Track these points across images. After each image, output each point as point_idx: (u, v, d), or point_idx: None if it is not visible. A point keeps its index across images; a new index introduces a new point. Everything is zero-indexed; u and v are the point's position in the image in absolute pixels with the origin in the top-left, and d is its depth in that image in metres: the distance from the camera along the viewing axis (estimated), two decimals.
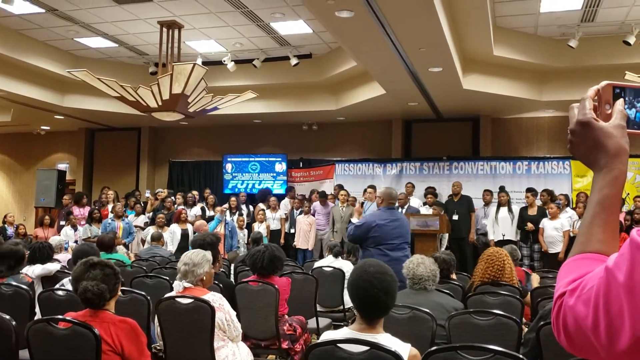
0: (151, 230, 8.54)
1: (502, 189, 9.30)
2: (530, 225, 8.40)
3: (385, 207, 5.05)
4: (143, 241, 8.94)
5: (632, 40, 7.82)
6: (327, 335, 2.34)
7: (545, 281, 5.37)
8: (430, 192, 9.50)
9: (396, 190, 5.41)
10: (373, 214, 5.71)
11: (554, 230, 8.13)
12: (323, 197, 10.16)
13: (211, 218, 9.50)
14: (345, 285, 4.58)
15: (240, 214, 9.89)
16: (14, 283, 3.86)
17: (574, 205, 8.89)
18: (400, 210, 8.88)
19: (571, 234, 8.08)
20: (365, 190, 9.93)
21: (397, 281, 2.35)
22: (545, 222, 8.25)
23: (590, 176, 8.03)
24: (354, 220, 8.74)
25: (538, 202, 8.73)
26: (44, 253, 4.68)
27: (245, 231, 9.49)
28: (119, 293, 2.72)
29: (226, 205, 9.11)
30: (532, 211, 8.59)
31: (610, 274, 0.77)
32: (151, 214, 9.96)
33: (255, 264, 4.14)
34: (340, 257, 6.00)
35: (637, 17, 7.79)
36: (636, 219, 7.66)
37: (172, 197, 10.43)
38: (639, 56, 8.30)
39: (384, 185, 10.85)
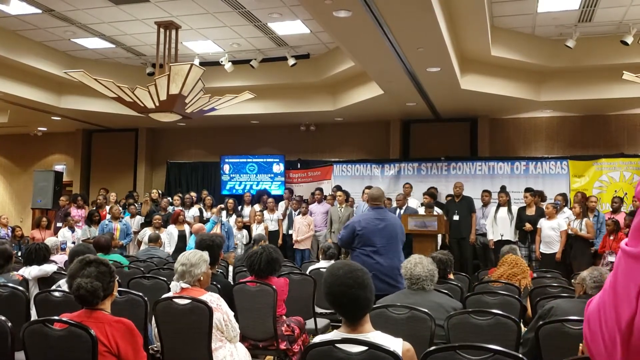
0: (148, 231, 8.51)
1: (502, 189, 9.29)
2: (528, 226, 8.39)
3: (370, 208, 5.01)
4: (139, 243, 8.88)
5: (629, 40, 7.82)
6: (319, 340, 2.32)
7: (543, 281, 5.37)
8: (430, 192, 9.49)
9: (381, 189, 5.23)
10: (359, 214, 5.69)
11: (551, 230, 8.12)
12: (319, 191, 10.27)
13: (209, 219, 9.48)
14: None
15: (239, 215, 9.86)
16: (9, 284, 3.83)
17: (571, 205, 8.89)
18: (398, 211, 8.87)
19: (569, 232, 8.09)
20: (363, 192, 9.92)
21: (368, 273, 2.31)
22: (542, 222, 8.24)
23: (588, 176, 8.04)
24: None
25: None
26: (40, 254, 4.65)
27: (244, 232, 9.46)
28: (115, 293, 2.69)
29: (221, 206, 9.09)
30: (530, 211, 8.58)
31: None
32: (145, 216, 9.94)
33: (252, 265, 4.12)
34: (333, 260, 5.91)
35: (635, 17, 7.79)
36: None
37: (169, 198, 10.39)
38: (636, 56, 8.31)
39: (382, 186, 10.90)
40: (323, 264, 5.77)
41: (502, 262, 4.81)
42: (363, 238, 4.74)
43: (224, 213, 9.58)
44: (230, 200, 10.08)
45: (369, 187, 9.80)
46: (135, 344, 2.51)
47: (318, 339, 2.33)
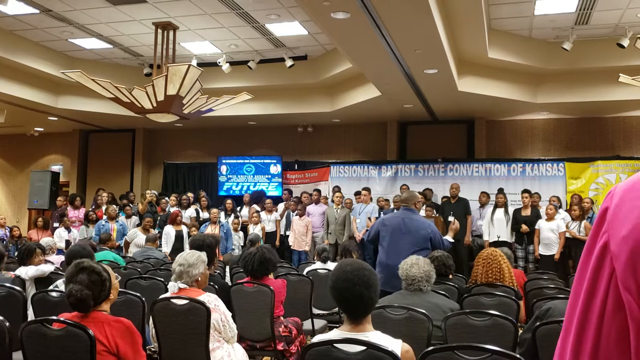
0: (138, 232, 8.48)
1: (500, 190, 9.32)
2: (524, 227, 8.41)
3: (402, 208, 5.13)
4: (127, 243, 8.71)
5: (625, 42, 7.86)
6: (318, 339, 2.33)
7: (540, 282, 5.38)
8: (425, 194, 9.50)
9: (413, 192, 5.30)
10: (389, 214, 5.93)
11: (550, 232, 8.14)
12: (317, 191, 10.34)
13: (205, 220, 9.47)
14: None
15: (236, 217, 9.85)
16: (6, 284, 3.83)
17: (567, 207, 8.91)
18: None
19: (567, 235, 8.11)
20: (359, 193, 9.93)
21: (376, 274, 2.32)
22: (541, 224, 8.26)
23: (584, 178, 7.97)
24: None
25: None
26: (28, 253, 4.65)
27: (241, 233, 9.44)
28: (113, 297, 2.68)
29: (215, 211, 9.07)
30: (526, 212, 8.60)
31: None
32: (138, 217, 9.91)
33: (246, 266, 4.13)
34: (328, 262, 5.91)
35: (631, 20, 7.83)
36: None
37: (166, 198, 10.37)
38: (632, 59, 8.35)
39: (379, 187, 10.94)
40: (319, 266, 5.80)
41: (476, 262, 4.35)
42: (383, 236, 4.93)
43: (222, 214, 9.58)
44: (229, 201, 10.07)
45: (365, 189, 9.86)
46: (135, 344, 2.51)
47: (317, 338, 2.34)
